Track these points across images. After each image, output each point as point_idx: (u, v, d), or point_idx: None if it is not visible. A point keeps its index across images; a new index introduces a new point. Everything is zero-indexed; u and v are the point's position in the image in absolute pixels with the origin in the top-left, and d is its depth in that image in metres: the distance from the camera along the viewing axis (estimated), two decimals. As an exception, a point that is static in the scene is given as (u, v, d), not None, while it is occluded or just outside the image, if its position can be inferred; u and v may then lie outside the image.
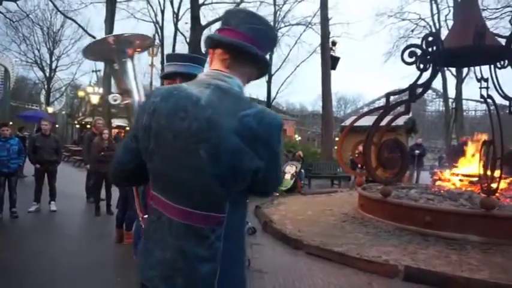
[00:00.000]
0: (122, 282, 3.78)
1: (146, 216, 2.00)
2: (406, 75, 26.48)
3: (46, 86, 32.21)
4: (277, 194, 9.55)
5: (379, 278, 4.00)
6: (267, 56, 1.36)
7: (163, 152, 1.18)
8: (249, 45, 1.22)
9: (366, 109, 37.37)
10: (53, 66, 30.81)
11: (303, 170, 10.92)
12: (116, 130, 20.71)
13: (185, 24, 22.11)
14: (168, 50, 25.88)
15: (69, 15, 22.07)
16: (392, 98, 7.04)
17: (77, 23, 21.94)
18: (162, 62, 26.69)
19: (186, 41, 21.47)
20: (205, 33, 19.91)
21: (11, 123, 14.89)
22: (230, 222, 1.17)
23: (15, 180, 6.35)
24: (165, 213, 1.20)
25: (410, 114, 13.02)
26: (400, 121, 11.81)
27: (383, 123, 6.63)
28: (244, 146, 1.10)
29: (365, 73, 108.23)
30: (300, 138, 40.54)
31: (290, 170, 10.22)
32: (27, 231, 5.68)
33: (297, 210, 7.35)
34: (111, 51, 1.59)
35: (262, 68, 1.32)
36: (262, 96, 36.18)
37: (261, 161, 1.14)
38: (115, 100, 1.65)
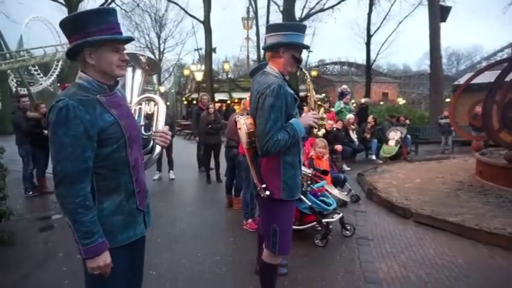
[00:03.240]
0: (234, 241, 4.16)
1: (264, 185, 2.11)
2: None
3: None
4: (381, 162, 9.17)
5: (503, 252, 3.62)
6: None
7: None
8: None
9: (484, 64, 32.71)
10: (161, 48, 33.81)
11: (409, 136, 10.20)
12: (219, 104, 22.04)
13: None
14: (261, 20, 26.12)
15: (170, -2, 23.66)
16: (520, 47, 6.00)
17: (178, 5, 23.36)
18: (257, 34, 27.10)
19: (279, 9, 21.26)
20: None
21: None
22: None
23: None
24: None
25: (545, 65, 10.99)
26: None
27: (508, 78, 5.75)
28: None
29: (482, 23, 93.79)
30: (404, 101, 37.67)
31: (394, 136, 9.62)
32: (152, 196, 6.50)
33: (403, 178, 6.97)
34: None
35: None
36: (361, 59, 34.35)
37: None
38: None
